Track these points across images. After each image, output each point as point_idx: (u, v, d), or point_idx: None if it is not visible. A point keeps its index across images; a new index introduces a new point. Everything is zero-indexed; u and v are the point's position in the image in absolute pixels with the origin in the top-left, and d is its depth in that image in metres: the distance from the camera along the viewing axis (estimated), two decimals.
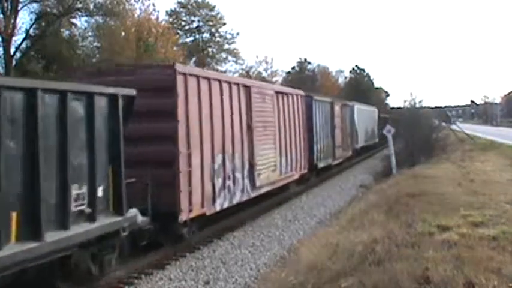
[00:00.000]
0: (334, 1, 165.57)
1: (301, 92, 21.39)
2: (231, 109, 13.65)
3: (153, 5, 41.20)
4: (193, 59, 50.62)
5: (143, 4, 36.03)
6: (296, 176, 19.33)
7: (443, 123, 41.28)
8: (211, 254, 11.53)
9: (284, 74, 70.11)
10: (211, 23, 53.85)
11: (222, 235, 13.03)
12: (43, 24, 32.38)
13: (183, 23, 53.12)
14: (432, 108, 54.62)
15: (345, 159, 30.23)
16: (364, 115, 38.64)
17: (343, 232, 10.23)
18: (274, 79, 62.70)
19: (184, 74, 11.33)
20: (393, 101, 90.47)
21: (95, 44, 36.08)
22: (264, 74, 61.70)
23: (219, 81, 13.23)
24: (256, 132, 15.15)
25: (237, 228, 13.85)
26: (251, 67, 60.65)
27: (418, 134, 26.77)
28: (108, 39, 33.91)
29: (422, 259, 6.64)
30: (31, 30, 31.82)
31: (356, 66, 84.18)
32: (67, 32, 34.99)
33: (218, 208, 12.76)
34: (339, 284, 6.49)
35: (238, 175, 13.89)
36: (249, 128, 14.65)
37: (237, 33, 55.25)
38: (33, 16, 32.47)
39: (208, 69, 44.62)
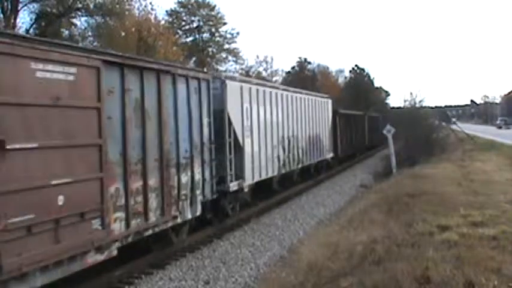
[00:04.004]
0: (334, 1, 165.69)
1: None
2: None
3: (151, 3, 41.04)
4: (193, 58, 50.62)
5: (141, 4, 36.11)
6: None
7: (443, 123, 41.31)
8: (211, 254, 11.53)
9: (284, 74, 70.19)
10: (211, 23, 53.82)
11: (222, 235, 13.03)
12: (43, 24, 32.38)
13: (183, 23, 53.11)
14: (432, 108, 54.68)
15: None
16: (274, 109, 17.99)
17: (343, 232, 10.24)
18: (274, 79, 62.76)
19: None
20: (393, 101, 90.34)
21: (95, 44, 36.06)
22: (264, 74, 61.75)
23: None
24: None
25: (237, 228, 13.85)
26: (251, 67, 60.74)
27: (418, 134, 26.71)
28: (108, 39, 33.88)
29: (422, 259, 6.65)
30: (31, 30, 31.81)
31: (356, 65, 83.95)
32: (67, 32, 34.97)
33: None
34: (339, 284, 6.49)
35: None
36: None
37: (237, 33, 55.33)
38: (33, 16, 32.53)
39: (209, 68, 44.57)
